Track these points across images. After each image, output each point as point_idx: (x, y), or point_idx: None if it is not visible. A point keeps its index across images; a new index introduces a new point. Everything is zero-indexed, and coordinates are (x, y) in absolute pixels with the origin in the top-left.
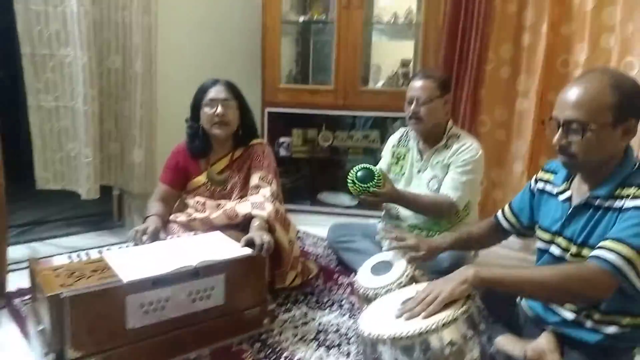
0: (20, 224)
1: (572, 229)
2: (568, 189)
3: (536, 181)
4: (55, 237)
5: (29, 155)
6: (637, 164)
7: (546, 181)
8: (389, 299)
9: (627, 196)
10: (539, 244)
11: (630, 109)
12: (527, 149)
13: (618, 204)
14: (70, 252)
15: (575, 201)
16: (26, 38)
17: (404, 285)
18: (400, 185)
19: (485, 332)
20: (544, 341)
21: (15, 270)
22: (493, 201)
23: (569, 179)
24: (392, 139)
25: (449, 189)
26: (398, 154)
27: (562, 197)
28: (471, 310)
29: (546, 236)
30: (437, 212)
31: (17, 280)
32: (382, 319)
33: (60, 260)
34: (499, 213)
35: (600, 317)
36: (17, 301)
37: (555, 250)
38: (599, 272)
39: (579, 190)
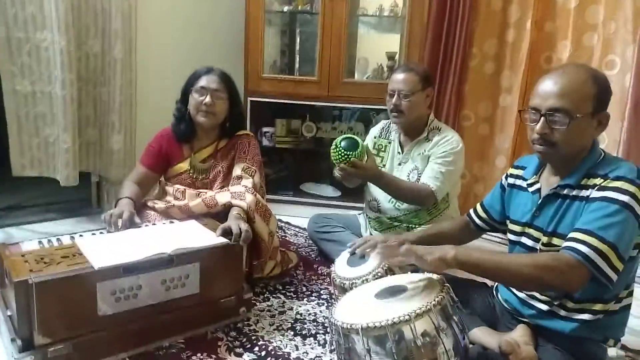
0: None
1: (542, 219)
2: (537, 181)
3: (507, 177)
4: (31, 222)
5: (5, 141)
6: (602, 155)
7: (516, 176)
8: (364, 289)
9: (594, 186)
10: (510, 236)
11: (604, 101)
12: (509, 144)
13: (585, 193)
14: (42, 238)
15: (544, 192)
16: (1, 20)
17: (380, 277)
18: None
19: (458, 324)
20: (519, 333)
21: None
22: (474, 195)
23: (537, 172)
24: (374, 131)
25: (429, 179)
26: (379, 146)
27: (531, 189)
28: (444, 302)
29: (517, 228)
30: (415, 199)
31: None
32: (356, 309)
33: (30, 246)
34: (472, 210)
35: (574, 305)
36: None
37: (526, 241)
38: (573, 265)
39: (547, 182)
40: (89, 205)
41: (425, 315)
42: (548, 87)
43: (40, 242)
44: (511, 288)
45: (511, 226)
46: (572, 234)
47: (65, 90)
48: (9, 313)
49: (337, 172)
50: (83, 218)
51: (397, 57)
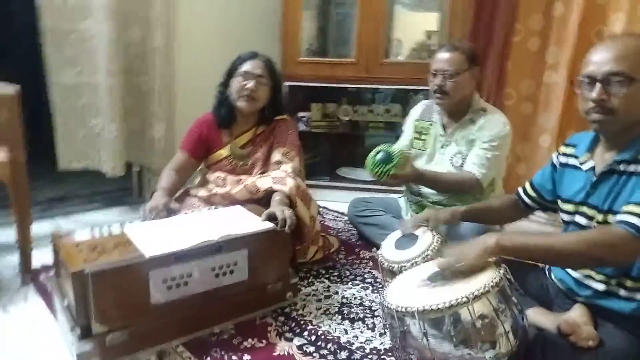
0: (43, 201)
1: (597, 197)
2: (591, 158)
3: (558, 156)
4: (77, 213)
5: (50, 133)
6: None
7: (568, 155)
8: (415, 272)
9: None
10: (563, 216)
11: None
12: (556, 123)
13: None
14: (92, 227)
15: (599, 169)
16: (47, 11)
17: (430, 259)
18: (422, 161)
19: (517, 305)
20: (577, 313)
21: (39, 246)
22: (516, 176)
23: (590, 149)
24: (414, 113)
25: (474, 166)
26: (420, 128)
27: (585, 166)
28: (502, 283)
29: (570, 207)
30: (460, 190)
31: (42, 257)
32: (410, 292)
33: (82, 236)
34: (520, 189)
35: (633, 284)
36: (42, 277)
37: (580, 219)
38: (624, 237)
39: (601, 159)
40: (130, 195)
41: (483, 297)
42: (603, 53)
43: (91, 232)
44: (568, 271)
45: (563, 205)
46: (624, 208)
47: (111, 80)
48: (66, 302)
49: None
50: (126, 207)
51: (436, 35)
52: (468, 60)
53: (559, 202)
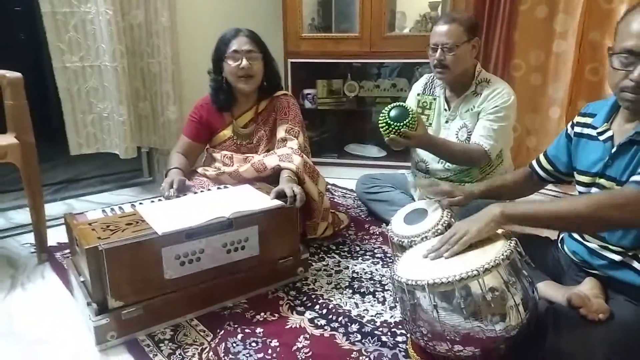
0: (55, 183)
1: (615, 168)
2: (609, 129)
3: (573, 126)
4: (89, 194)
5: (59, 117)
6: None
7: (584, 125)
8: (425, 246)
9: None
10: (579, 188)
11: None
12: (565, 93)
13: None
14: (104, 207)
15: (618, 140)
16: None
17: (440, 233)
18: None
19: (528, 278)
20: (588, 286)
21: (53, 226)
22: (526, 148)
23: (609, 119)
24: (416, 87)
25: (480, 137)
26: (423, 103)
27: (603, 137)
28: (513, 256)
29: (586, 179)
30: (468, 161)
31: (57, 235)
32: (419, 266)
33: (95, 215)
34: (534, 162)
35: None
36: (58, 255)
37: (596, 192)
38: (633, 195)
39: (620, 130)
40: (140, 176)
41: (494, 270)
42: (630, 26)
43: (103, 211)
44: (580, 239)
45: (579, 177)
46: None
47: (116, 62)
48: (82, 279)
49: (387, 140)
50: (137, 188)
51: (440, 6)
52: (467, 32)
53: (575, 174)
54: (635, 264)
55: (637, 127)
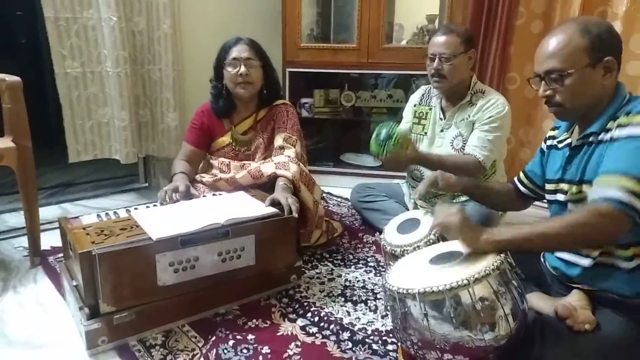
0: (51, 186)
1: (572, 171)
2: (568, 137)
3: (545, 140)
4: (84, 198)
5: (57, 122)
6: (627, 97)
7: (552, 137)
8: (417, 255)
9: (617, 126)
10: (548, 197)
11: (603, 47)
12: None
13: (608, 135)
14: (99, 212)
15: (573, 144)
16: (49, 2)
17: (432, 243)
18: (423, 145)
19: (517, 288)
20: (575, 297)
21: (47, 229)
22: (520, 160)
23: (569, 129)
24: (414, 98)
25: (475, 148)
26: (420, 113)
27: (562, 145)
28: (503, 267)
29: (551, 186)
30: (463, 173)
31: (51, 240)
32: (411, 275)
33: (89, 220)
34: (515, 179)
35: (622, 252)
36: (51, 259)
37: (560, 197)
38: (608, 213)
39: (575, 135)
40: (136, 181)
41: (484, 279)
42: (541, 50)
43: (98, 216)
44: (557, 255)
45: (547, 186)
46: (598, 179)
47: (119, 68)
48: (74, 283)
49: (383, 163)
50: (132, 193)
51: (437, 20)
52: (464, 43)
53: (545, 184)
54: (617, 262)
55: (586, 129)
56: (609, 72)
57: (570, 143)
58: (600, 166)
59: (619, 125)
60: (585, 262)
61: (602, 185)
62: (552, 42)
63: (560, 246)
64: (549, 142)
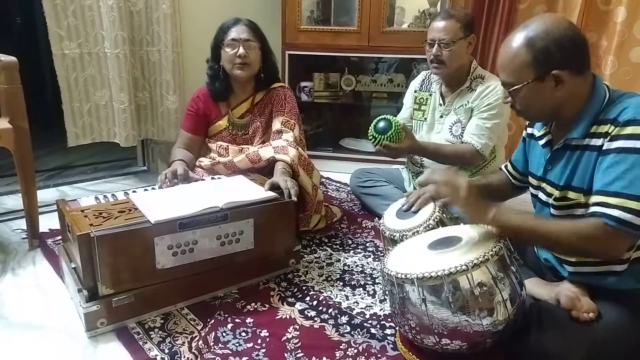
0: (49, 169)
1: (554, 172)
2: (548, 132)
3: (526, 128)
4: (82, 181)
5: (54, 104)
6: (607, 97)
7: (532, 126)
8: (416, 240)
9: (605, 135)
10: (531, 190)
11: (548, 61)
12: None
13: (596, 142)
14: (97, 194)
15: (554, 145)
16: None
17: (432, 228)
18: (422, 132)
19: (516, 274)
20: (573, 284)
21: (46, 212)
22: None
23: (547, 123)
24: (414, 84)
25: (473, 137)
26: (420, 99)
27: (542, 141)
28: (502, 253)
29: (534, 182)
30: (461, 162)
31: (48, 222)
32: (410, 260)
33: (87, 202)
34: (503, 165)
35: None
36: (49, 241)
37: (542, 195)
38: (611, 233)
39: (557, 134)
40: (135, 164)
41: (482, 265)
42: (498, 59)
43: (96, 198)
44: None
45: (530, 179)
46: (600, 198)
47: (118, 49)
48: (73, 265)
49: (375, 150)
50: (131, 176)
51: (439, 3)
52: (464, 28)
53: (529, 175)
54: (599, 264)
55: (566, 134)
56: (560, 84)
57: (551, 141)
58: (595, 179)
59: (611, 138)
60: (570, 268)
61: (604, 204)
62: (503, 54)
63: (557, 248)
64: (529, 130)
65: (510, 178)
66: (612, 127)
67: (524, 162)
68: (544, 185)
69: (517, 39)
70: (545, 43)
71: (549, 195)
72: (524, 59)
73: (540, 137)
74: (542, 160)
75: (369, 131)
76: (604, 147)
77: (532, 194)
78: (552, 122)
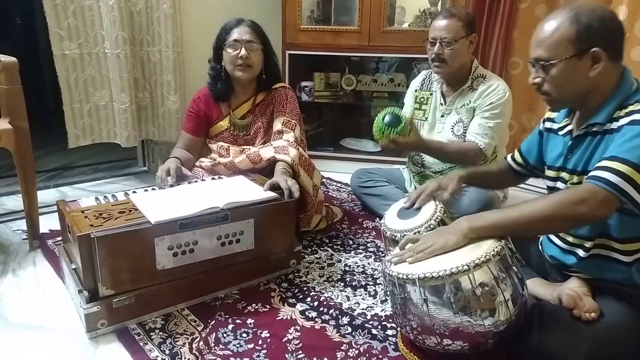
0: (49, 170)
1: (574, 160)
2: (569, 123)
3: (544, 121)
4: (82, 182)
5: (54, 104)
6: (635, 85)
7: (551, 120)
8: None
9: (625, 115)
10: (547, 183)
11: (591, 37)
12: None
13: (615, 124)
14: (97, 195)
15: (575, 133)
16: None
17: (433, 228)
18: (423, 131)
19: (517, 274)
20: (577, 284)
21: (46, 213)
22: None
23: (569, 115)
24: (414, 83)
25: (476, 136)
26: (421, 99)
27: (562, 132)
28: (503, 252)
29: (552, 173)
30: (464, 160)
31: (49, 222)
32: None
33: (87, 202)
34: (509, 155)
35: (621, 246)
36: (50, 242)
37: (561, 185)
38: (594, 191)
39: (578, 123)
40: (135, 165)
41: (484, 265)
42: (534, 36)
43: (97, 199)
44: (553, 240)
45: (547, 172)
46: (597, 164)
47: (119, 49)
48: (73, 266)
49: (380, 145)
50: (131, 177)
51: (439, 2)
52: (465, 27)
53: (545, 168)
54: (604, 252)
55: (589, 119)
56: (597, 64)
57: (572, 131)
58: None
59: (627, 113)
60: (581, 252)
61: (599, 168)
62: (541, 30)
63: (543, 226)
64: (547, 124)
65: (514, 166)
66: (632, 107)
67: (537, 156)
68: (563, 174)
69: (560, 14)
70: (589, 20)
71: (566, 182)
72: (566, 33)
73: (561, 128)
74: (561, 150)
75: (376, 124)
76: (619, 124)
77: (548, 187)
78: (574, 113)
